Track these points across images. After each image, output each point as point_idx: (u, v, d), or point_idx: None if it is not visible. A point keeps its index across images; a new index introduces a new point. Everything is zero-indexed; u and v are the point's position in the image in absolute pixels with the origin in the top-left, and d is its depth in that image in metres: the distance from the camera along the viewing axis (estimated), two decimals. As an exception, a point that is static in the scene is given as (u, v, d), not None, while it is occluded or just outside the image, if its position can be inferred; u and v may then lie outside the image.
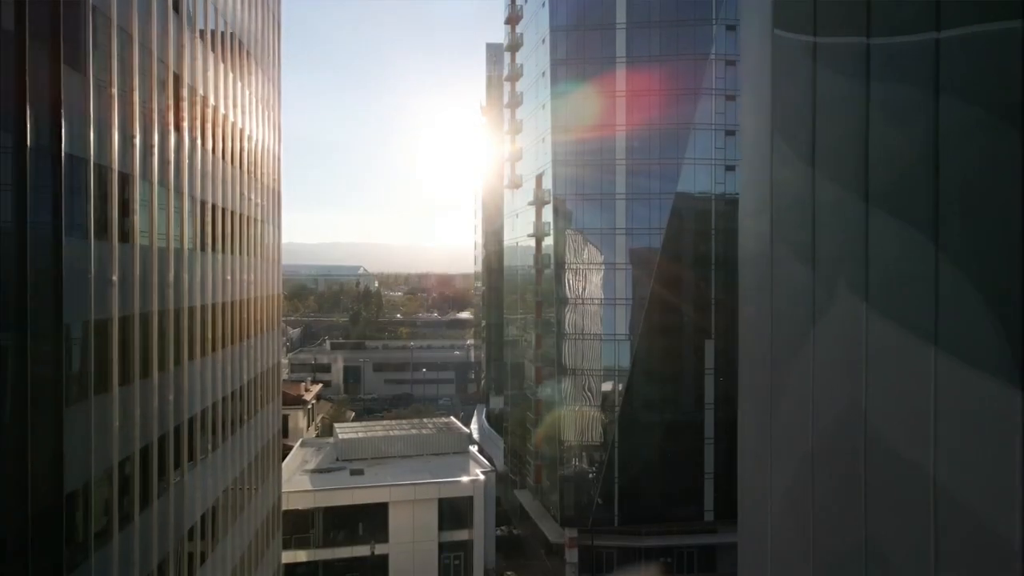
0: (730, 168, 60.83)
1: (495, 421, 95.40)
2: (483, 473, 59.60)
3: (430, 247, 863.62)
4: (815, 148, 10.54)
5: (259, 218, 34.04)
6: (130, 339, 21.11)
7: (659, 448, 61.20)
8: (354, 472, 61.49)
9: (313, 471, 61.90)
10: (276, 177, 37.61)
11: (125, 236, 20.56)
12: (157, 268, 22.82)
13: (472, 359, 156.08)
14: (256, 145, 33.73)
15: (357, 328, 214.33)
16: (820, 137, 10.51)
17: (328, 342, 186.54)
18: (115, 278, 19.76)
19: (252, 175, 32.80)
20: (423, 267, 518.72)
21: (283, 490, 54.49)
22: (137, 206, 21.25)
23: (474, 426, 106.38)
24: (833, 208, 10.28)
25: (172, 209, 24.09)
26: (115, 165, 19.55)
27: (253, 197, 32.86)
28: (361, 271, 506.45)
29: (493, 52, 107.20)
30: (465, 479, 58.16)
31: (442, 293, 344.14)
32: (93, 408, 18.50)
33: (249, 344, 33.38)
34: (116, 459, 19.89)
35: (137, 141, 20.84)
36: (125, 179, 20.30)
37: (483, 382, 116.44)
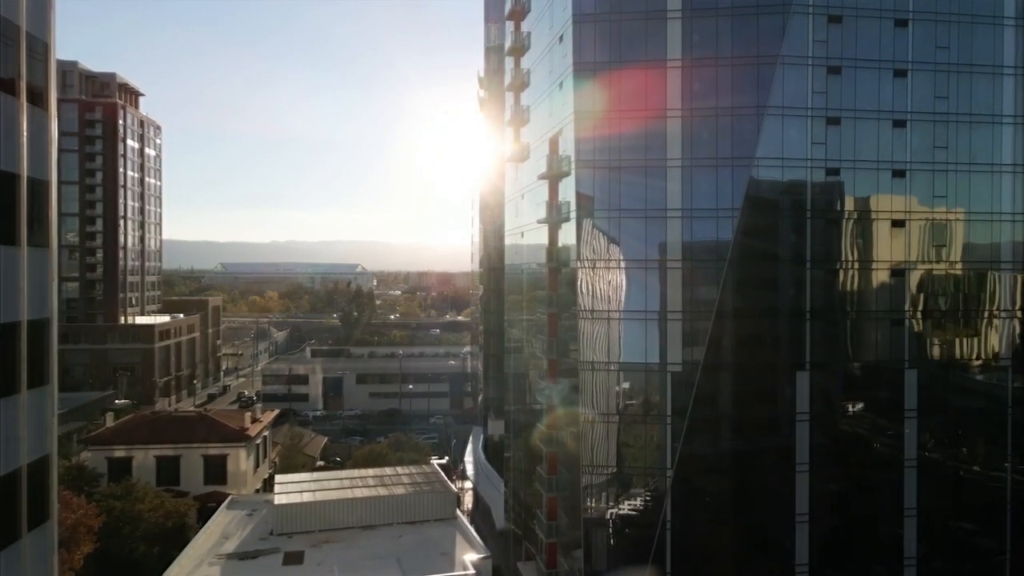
0: (834, 121, 41.96)
1: (494, 451, 77.01)
2: (474, 564, 41.75)
3: (433, 245, 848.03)
4: None
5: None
6: None
7: (730, 530, 42.50)
8: (289, 559, 43.65)
9: (231, 556, 43.88)
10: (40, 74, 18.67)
11: None
12: None
13: (470, 368, 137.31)
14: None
15: (347, 331, 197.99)
16: None
17: (309, 349, 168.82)
18: None
19: None
20: (424, 265, 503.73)
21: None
22: None
23: (468, 458, 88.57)
24: None
25: None
26: None
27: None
28: (359, 269, 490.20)
29: (493, 8, 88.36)
30: None
31: (442, 292, 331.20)
32: None
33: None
34: None
35: None
36: None
37: (480, 399, 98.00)
